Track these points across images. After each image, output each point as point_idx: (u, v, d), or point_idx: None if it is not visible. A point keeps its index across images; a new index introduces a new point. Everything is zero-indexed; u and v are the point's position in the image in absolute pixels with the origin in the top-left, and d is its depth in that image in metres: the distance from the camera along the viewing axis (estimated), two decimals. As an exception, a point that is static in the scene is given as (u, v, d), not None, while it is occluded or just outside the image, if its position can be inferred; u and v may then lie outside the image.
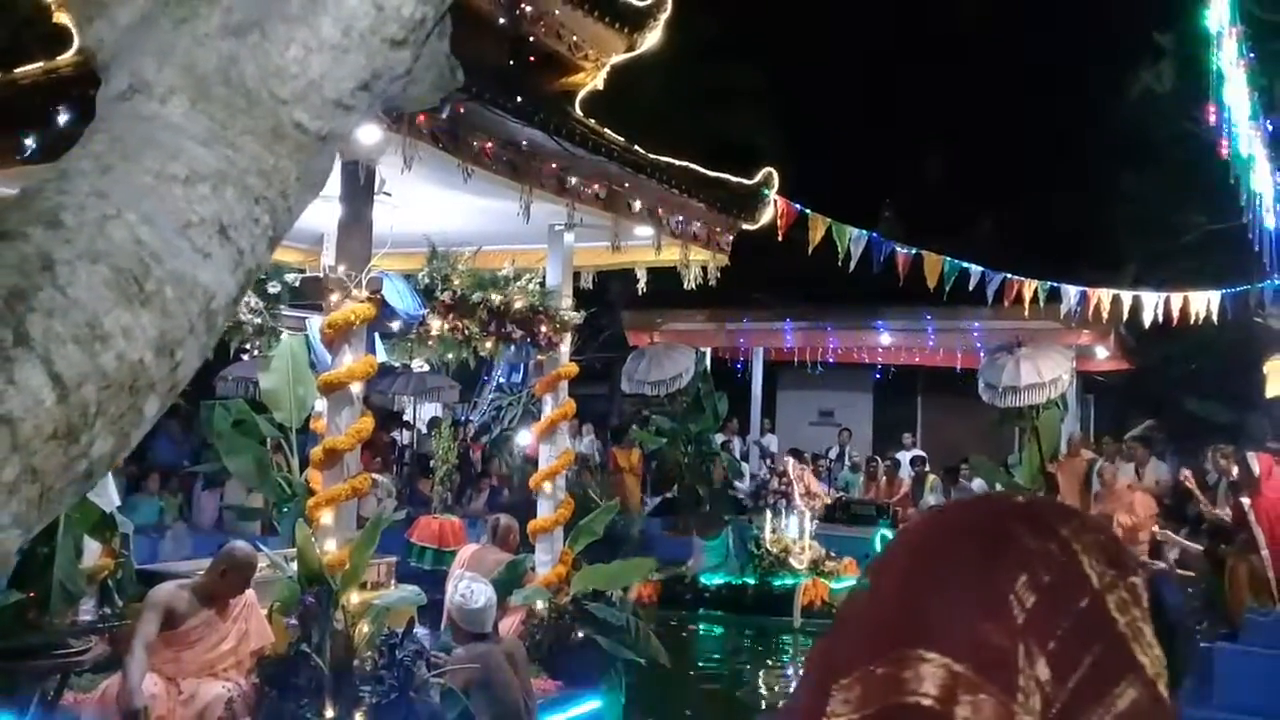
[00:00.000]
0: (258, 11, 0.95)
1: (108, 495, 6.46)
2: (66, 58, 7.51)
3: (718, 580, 12.17)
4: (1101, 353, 15.18)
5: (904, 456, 15.68)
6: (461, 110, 5.73)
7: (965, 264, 11.95)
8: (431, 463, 11.20)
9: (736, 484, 15.07)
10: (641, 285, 9.24)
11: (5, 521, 0.72)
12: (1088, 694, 0.73)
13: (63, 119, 6.31)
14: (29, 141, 6.44)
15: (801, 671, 0.84)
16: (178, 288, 0.88)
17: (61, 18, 7.59)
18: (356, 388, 6.40)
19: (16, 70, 7.49)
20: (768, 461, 16.99)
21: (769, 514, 12.60)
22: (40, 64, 7.48)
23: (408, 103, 1.26)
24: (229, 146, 0.95)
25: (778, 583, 11.78)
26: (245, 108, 0.96)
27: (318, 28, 0.95)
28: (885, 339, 16.28)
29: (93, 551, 6.44)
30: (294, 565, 6.08)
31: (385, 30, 0.99)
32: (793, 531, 12.43)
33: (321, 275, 6.35)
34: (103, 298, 0.81)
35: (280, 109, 0.98)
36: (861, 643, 0.76)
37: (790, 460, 13.92)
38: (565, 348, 8.21)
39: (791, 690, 0.85)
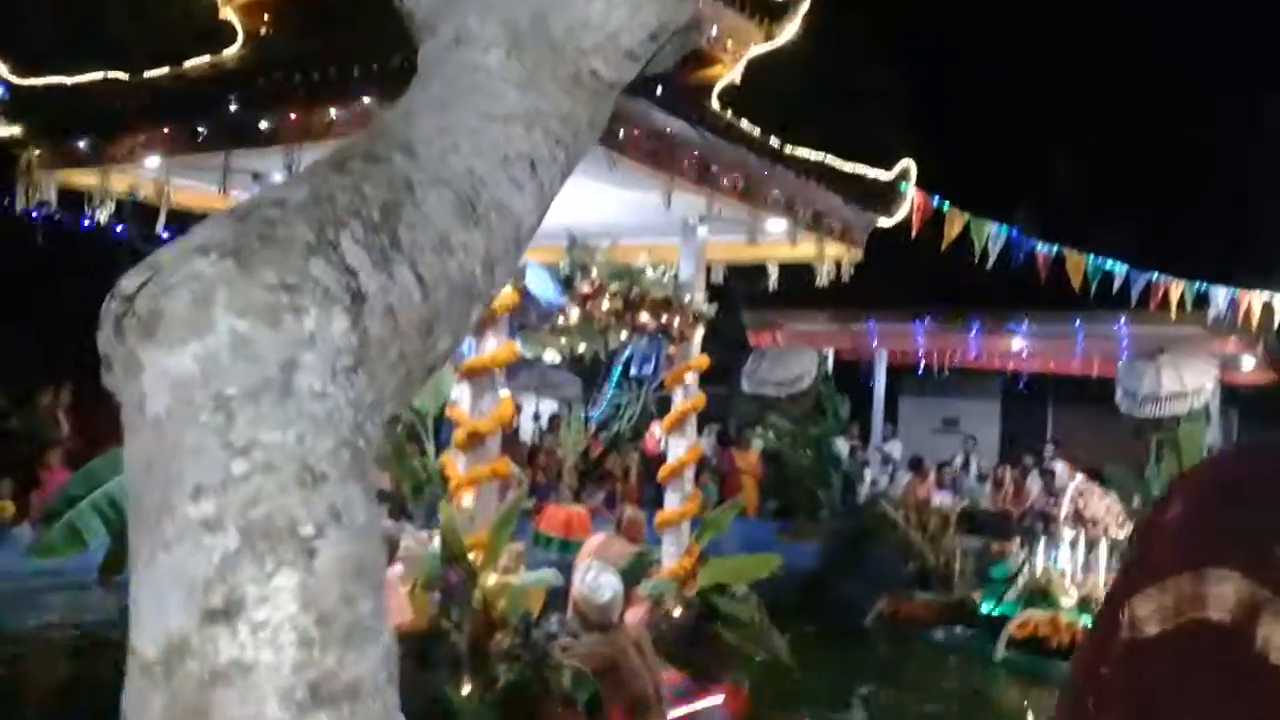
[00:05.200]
0: None
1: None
2: (231, 52, 7.95)
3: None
4: (1248, 363, 14.53)
5: (1057, 467, 14.98)
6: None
7: (1110, 263, 11.57)
8: (559, 453, 11.40)
9: (859, 488, 14.90)
10: (772, 281, 9.24)
11: (388, 394, 0.83)
12: None
13: (231, 108, 6.65)
14: (200, 129, 6.83)
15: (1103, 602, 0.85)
16: (499, 213, 0.98)
17: (225, 14, 8.06)
18: (499, 374, 6.60)
19: (186, 64, 7.96)
20: (890, 468, 16.77)
21: (1041, 539, 10.79)
22: (206, 58, 7.93)
23: (653, 64, 1.34)
24: (538, 92, 1.05)
25: (988, 606, 10.51)
26: (551, 57, 1.06)
27: None
28: (1017, 344, 15.89)
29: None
30: (434, 544, 6.30)
31: None
32: (1063, 563, 10.41)
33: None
34: (448, 216, 0.92)
35: (580, 59, 1.07)
36: (1163, 557, 0.78)
37: (1067, 473, 12.05)
38: (697, 341, 8.29)
39: None
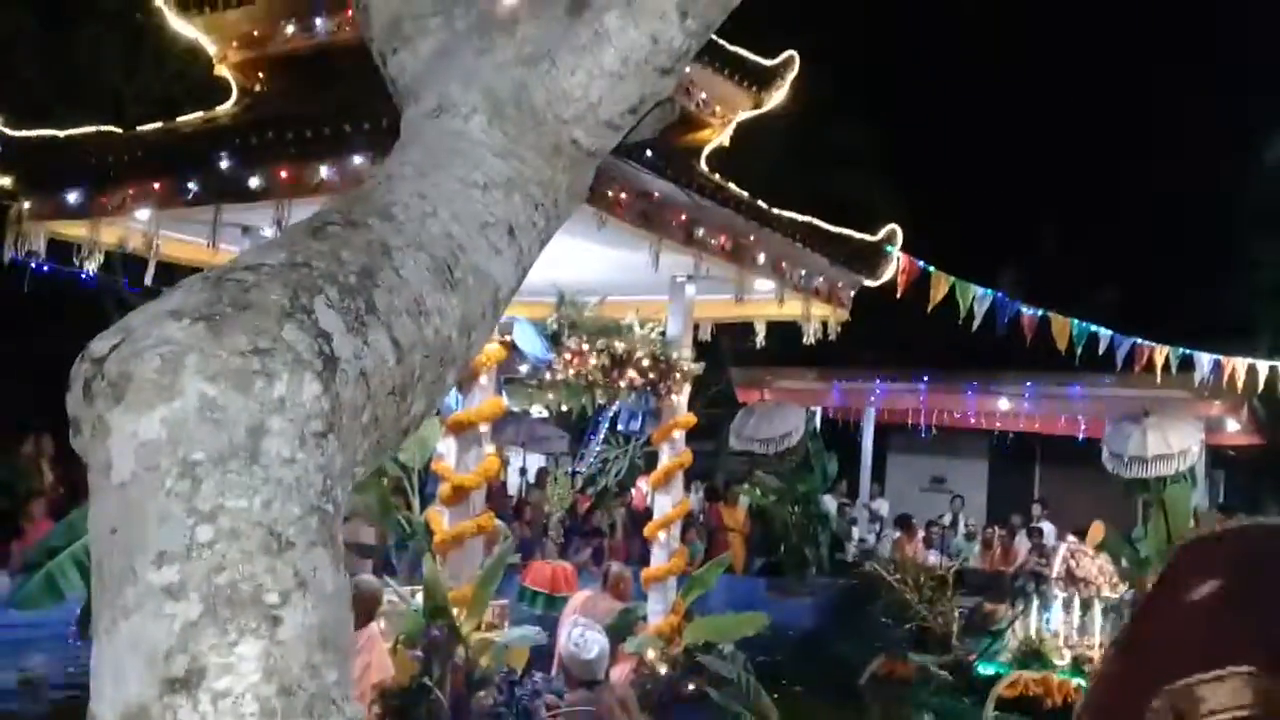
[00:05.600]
0: (549, 43, 1.07)
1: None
2: (225, 108, 8.02)
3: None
4: (1232, 426, 14.60)
5: (1046, 528, 14.93)
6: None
7: (1094, 327, 11.67)
8: (547, 509, 11.32)
9: (848, 545, 14.82)
10: (760, 339, 9.29)
11: (359, 458, 0.83)
12: None
13: (223, 164, 6.68)
14: (191, 184, 6.85)
15: (1093, 694, 0.83)
16: (477, 277, 0.99)
17: (220, 71, 8.14)
18: (484, 429, 6.58)
19: (178, 119, 8.02)
20: (877, 526, 16.70)
21: (1034, 599, 10.62)
22: (200, 113, 7.99)
23: (634, 133, 1.36)
24: (518, 159, 1.07)
25: (982, 668, 10.22)
26: (533, 126, 1.08)
27: (601, 57, 1.07)
28: (1004, 404, 15.94)
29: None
30: (418, 599, 6.23)
31: (657, 60, 1.10)
32: (1056, 623, 10.28)
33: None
34: (425, 280, 0.93)
35: (561, 128, 1.09)
36: (1186, 656, 0.76)
37: (1052, 535, 12.02)
38: (684, 398, 8.29)
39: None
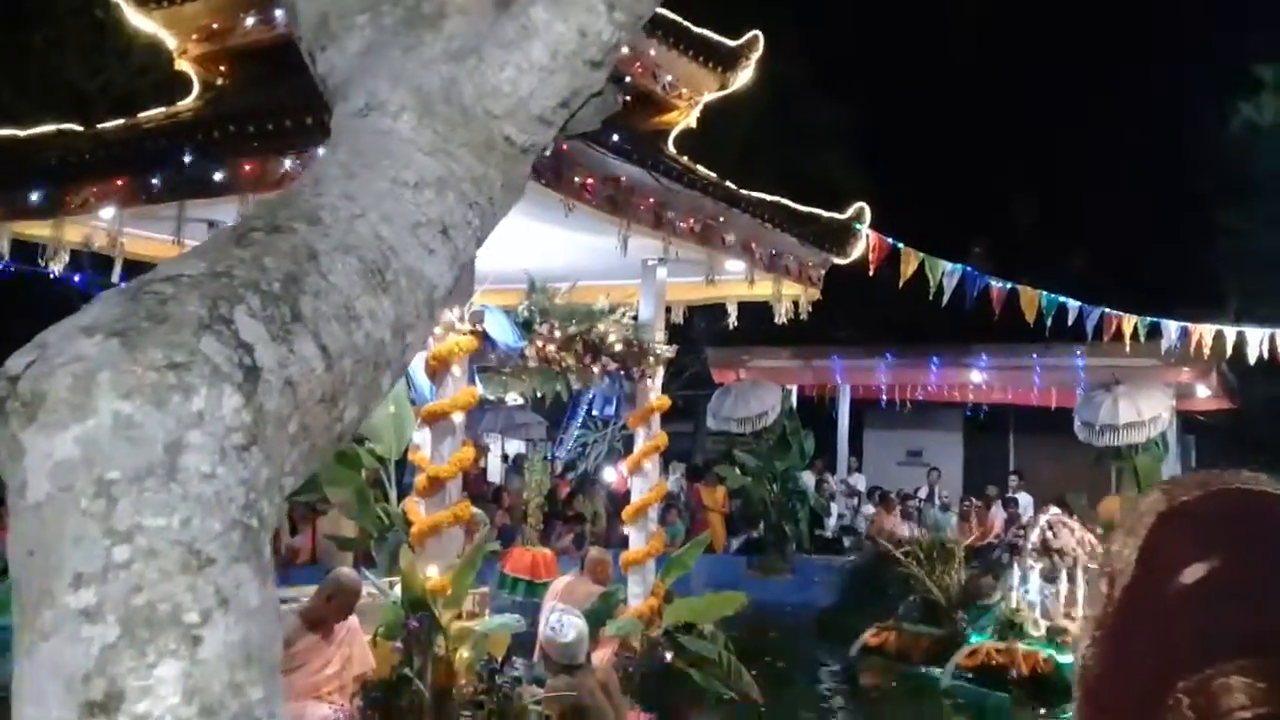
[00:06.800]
0: (476, 39, 1.06)
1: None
2: (187, 103, 7.93)
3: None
4: (1202, 391, 14.76)
5: (1022, 499, 15.08)
6: (564, 147, 5.90)
7: (1063, 299, 11.77)
8: (525, 495, 11.32)
9: (826, 521, 14.91)
10: (732, 320, 9.30)
11: (287, 469, 0.82)
12: None
13: (186, 159, 6.61)
14: (154, 181, 6.78)
15: (1095, 667, 0.80)
16: (410, 278, 0.98)
17: (181, 65, 8.04)
18: (459, 418, 6.56)
19: (140, 115, 7.92)
20: (855, 501, 16.81)
21: (1014, 571, 10.78)
22: (162, 109, 7.90)
23: (576, 124, 1.35)
24: (449, 157, 1.06)
25: (975, 639, 10.37)
26: (463, 122, 1.06)
27: (529, 51, 1.06)
28: (977, 377, 16.05)
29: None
30: (396, 591, 6.23)
31: (587, 53, 1.09)
32: (1033, 594, 10.46)
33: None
34: (354, 284, 0.92)
35: (492, 124, 1.08)
36: (1191, 649, 0.74)
37: (1029, 506, 11.98)
38: (657, 381, 8.30)
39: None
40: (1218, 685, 0.71)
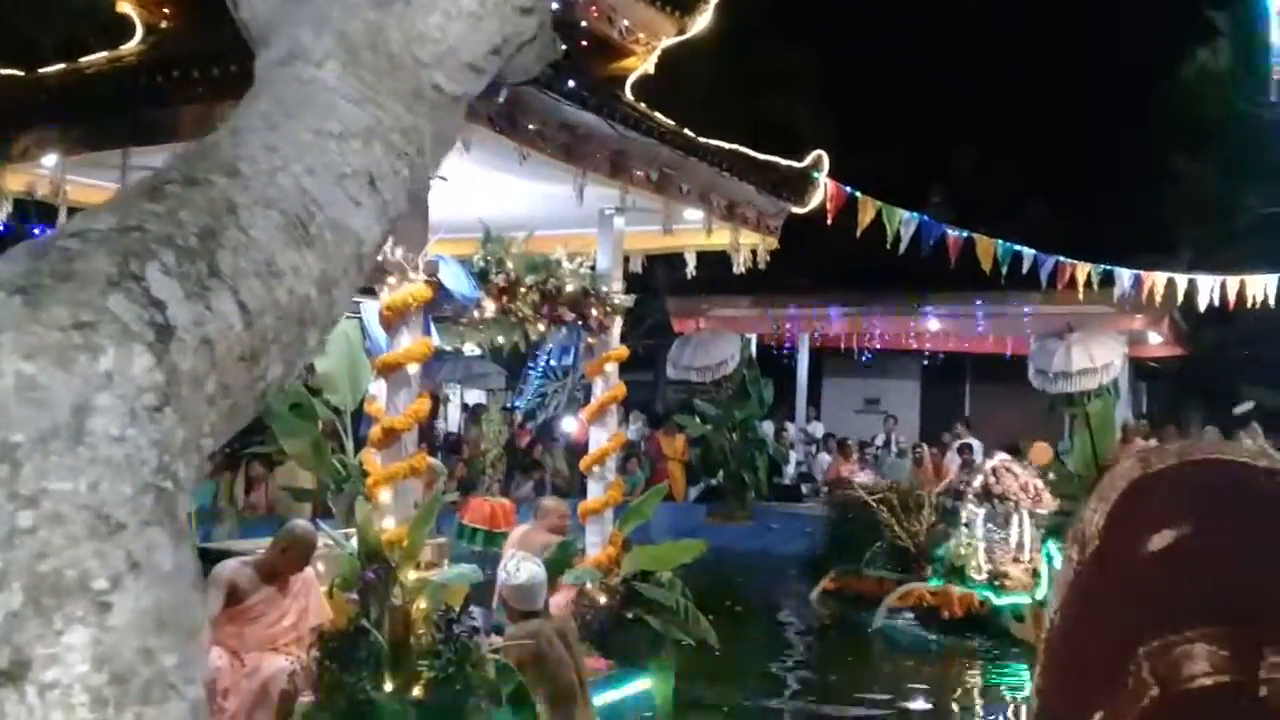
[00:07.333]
0: None
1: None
2: (130, 47, 7.69)
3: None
4: (1155, 338, 15.01)
5: (974, 444, 15.31)
6: (518, 94, 5.80)
7: (1018, 246, 11.86)
8: (482, 446, 11.32)
9: (785, 469, 15.05)
10: (691, 269, 9.28)
11: (205, 430, 0.80)
12: None
13: (129, 105, 6.45)
14: (97, 127, 6.61)
15: (1066, 633, 0.80)
16: (335, 232, 0.95)
17: (123, 8, 7.79)
18: (414, 369, 6.50)
19: (81, 60, 7.68)
20: (813, 449, 16.98)
21: (963, 515, 10.93)
22: (104, 54, 7.66)
23: (514, 72, 1.32)
24: (376, 106, 1.02)
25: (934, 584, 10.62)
26: (390, 70, 1.03)
27: None
28: (933, 325, 16.19)
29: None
30: (353, 543, 6.21)
31: None
32: (977, 538, 10.58)
33: (380, 258, 6.45)
34: (276, 239, 0.89)
35: (421, 72, 1.05)
36: (1156, 616, 0.74)
37: (981, 452, 12.31)
38: (615, 331, 8.28)
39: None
40: (1179, 652, 0.71)
